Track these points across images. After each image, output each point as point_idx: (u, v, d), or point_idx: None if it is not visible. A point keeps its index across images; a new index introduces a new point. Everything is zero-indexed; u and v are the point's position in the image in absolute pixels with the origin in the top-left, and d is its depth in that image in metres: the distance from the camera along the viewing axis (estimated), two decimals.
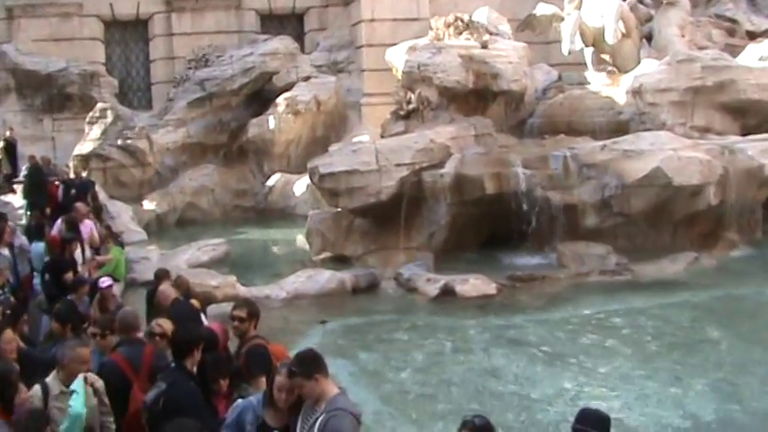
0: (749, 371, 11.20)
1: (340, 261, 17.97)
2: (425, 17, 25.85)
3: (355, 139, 22.31)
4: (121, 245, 16.19)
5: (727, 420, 9.75)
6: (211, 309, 12.44)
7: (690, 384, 10.76)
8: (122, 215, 22.14)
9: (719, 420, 9.73)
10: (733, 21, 27.35)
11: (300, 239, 20.05)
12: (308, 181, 20.75)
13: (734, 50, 23.15)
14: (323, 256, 18.46)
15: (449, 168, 17.39)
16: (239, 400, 6.70)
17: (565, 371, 11.49)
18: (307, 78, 26.80)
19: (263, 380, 6.91)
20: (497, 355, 12.28)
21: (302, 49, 28.63)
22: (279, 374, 6.22)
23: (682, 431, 9.54)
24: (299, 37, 29.55)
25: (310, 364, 6.02)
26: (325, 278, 16.01)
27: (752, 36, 26.32)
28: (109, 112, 25.74)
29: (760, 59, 21.80)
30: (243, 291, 15.24)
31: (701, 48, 22.66)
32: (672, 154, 16.95)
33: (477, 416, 5.91)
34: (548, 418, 9.94)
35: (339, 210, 18.30)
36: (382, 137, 19.94)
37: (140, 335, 8.08)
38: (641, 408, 10.11)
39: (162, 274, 11.34)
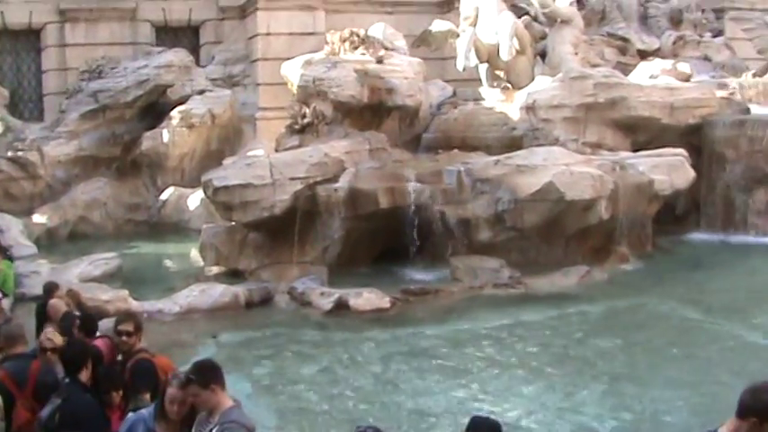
0: (640, 381, 11.36)
1: (234, 275, 17.84)
2: (321, 32, 25.80)
3: (250, 153, 22.13)
4: (10, 259, 15.86)
5: (620, 430, 9.87)
6: (104, 323, 12.21)
7: (583, 395, 10.89)
8: (12, 229, 21.60)
9: (613, 430, 9.84)
10: (625, 39, 27.88)
11: (194, 254, 19.90)
12: (202, 195, 20.54)
13: (625, 68, 23.64)
14: (216, 270, 18.32)
15: (343, 183, 17.40)
16: (130, 414, 6.58)
17: (459, 383, 11.51)
18: (201, 92, 26.52)
19: (148, 396, 6.82)
20: (391, 368, 12.28)
21: (197, 62, 28.34)
22: (171, 386, 6.13)
23: None
24: (195, 50, 29.25)
25: (208, 374, 5.94)
26: (218, 292, 15.84)
27: (643, 55, 26.87)
28: None
29: (650, 77, 22.28)
30: (135, 305, 14.99)
31: (594, 65, 23.07)
32: (564, 169, 17.16)
33: (370, 426, 5.87)
34: (442, 430, 9.95)
35: (233, 223, 18.18)
36: (277, 151, 19.86)
37: (26, 349, 7.90)
38: (534, 418, 10.18)
39: (52, 288, 11.14)
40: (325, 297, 15.51)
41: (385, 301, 15.29)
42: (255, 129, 27.50)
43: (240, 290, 16.03)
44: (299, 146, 19.20)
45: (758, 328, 13.71)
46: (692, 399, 10.49)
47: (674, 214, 20.48)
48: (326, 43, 21.30)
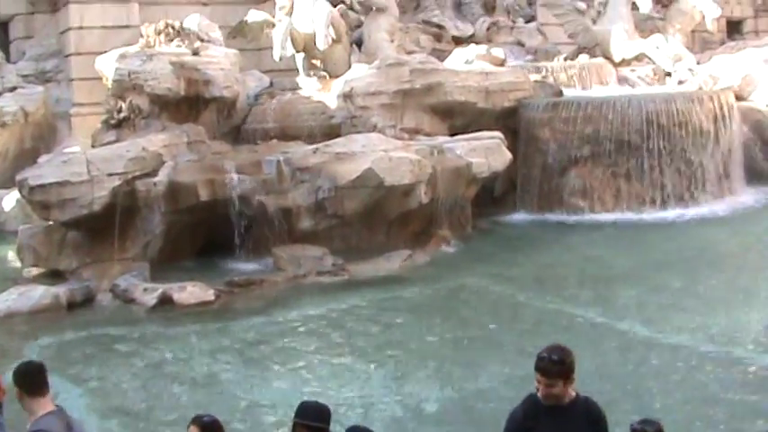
0: (466, 358, 11.65)
1: (54, 276, 17.38)
2: (136, 24, 25.36)
3: (66, 150, 21.65)
4: None
5: (447, 408, 10.12)
6: None
7: (410, 375, 11.07)
8: None
9: (441, 408, 10.08)
10: (440, 26, 28.41)
11: (11, 256, 19.32)
12: (18, 195, 19.99)
13: (441, 55, 24.04)
14: (36, 271, 17.81)
15: (162, 176, 17.18)
16: None
17: (287, 372, 11.59)
18: (13, 89, 25.81)
19: None
20: (219, 360, 12.24)
21: (8, 59, 27.56)
22: None
23: (405, 420, 9.77)
24: (5, 46, 28.44)
25: (18, 380, 5.86)
26: (38, 294, 15.42)
27: (458, 41, 27.41)
28: None
29: (465, 63, 22.68)
30: None
31: (410, 52, 23.36)
32: (383, 155, 17.35)
33: (205, 414, 5.87)
34: (273, 419, 9.99)
35: (51, 223, 17.71)
36: (93, 147, 19.46)
37: None
38: (364, 402, 10.30)
39: None
40: (148, 293, 15.31)
41: (209, 294, 15.19)
42: (71, 125, 26.90)
43: (61, 290, 15.66)
44: (116, 141, 18.84)
45: (570, 301, 14.21)
46: (515, 372, 10.71)
47: (492, 196, 20.95)
48: (141, 36, 20.94)
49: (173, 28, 20.69)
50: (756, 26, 46.17)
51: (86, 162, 17.23)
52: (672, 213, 20.26)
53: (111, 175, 17.06)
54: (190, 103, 19.78)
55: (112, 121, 19.49)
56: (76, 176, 16.95)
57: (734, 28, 45.25)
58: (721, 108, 21.94)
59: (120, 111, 19.38)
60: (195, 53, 20.16)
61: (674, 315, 13.11)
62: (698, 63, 28.23)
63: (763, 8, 46.32)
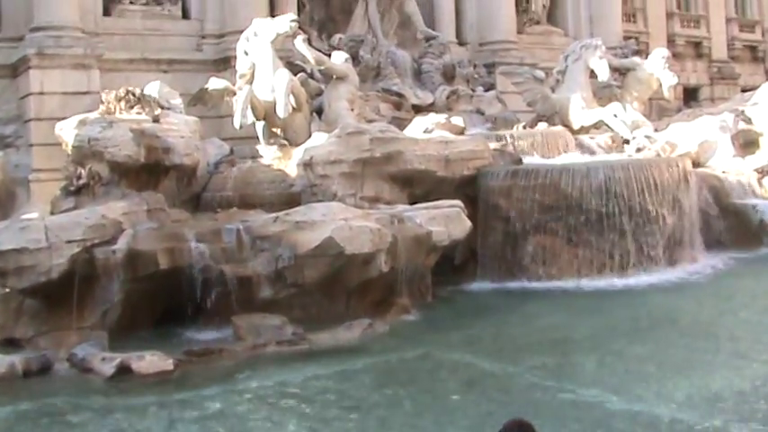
0: (428, 429, 11.59)
1: (10, 344, 17.10)
2: (96, 91, 25.35)
3: (24, 217, 21.45)
4: None
5: None
6: None
7: None
8: None
9: None
10: (400, 95, 28.64)
11: None
12: None
13: (401, 123, 24.24)
14: None
15: (121, 244, 17.08)
16: None
17: None
18: None
19: None
20: (178, 430, 12.10)
21: None
22: None
23: None
24: None
25: None
26: None
27: (418, 109, 27.64)
28: None
29: (425, 131, 22.83)
30: None
31: (370, 121, 23.51)
32: (343, 224, 17.37)
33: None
34: None
35: (7, 290, 17.51)
36: (52, 213, 19.33)
37: None
38: None
39: None
40: (106, 362, 15.11)
41: (168, 363, 15.02)
42: (29, 191, 26.67)
43: (17, 359, 15.40)
44: (76, 208, 18.75)
45: (532, 369, 14.14)
46: None
47: (452, 264, 20.96)
48: (102, 102, 20.99)
49: (133, 95, 20.73)
50: (712, 93, 46.92)
51: (45, 229, 17.11)
52: (631, 280, 20.40)
53: (69, 242, 16.95)
54: (150, 171, 19.72)
55: (72, 188, 19.40)
56: (34, 243, 16.81)
57: (690, 95, 46.02)
58: (679, 175, 22.19)
59: (79, 177, 19.31)
60: (156, 120, 20.17)
61: (636, 382, 13.12)
62: (655, 130, 28.70)
63: (718, 76, 47.09)
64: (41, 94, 27.13)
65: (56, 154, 22.83)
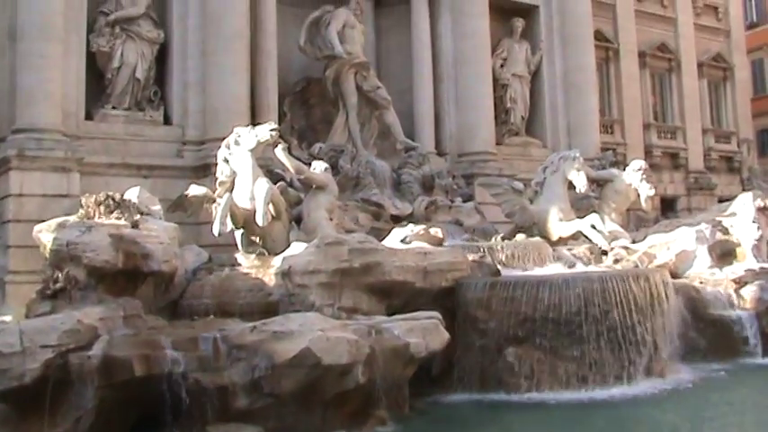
0: None
1: None
2: (76, 194, 25.41)
3: None
4: None
5: None
6: None
7: None
8: None
9: None
10: (378, 205, 28.78)
11: None
12: None
13: (379, 233, 24.24)
14: None
15: (96, 350, 16.87)
16: None
17: None
18: None
19: None
20: None
21: None
22: None
23: None
24: None
25: None
26: None
27: (396, 220, 27.71)
28: None
29: (402, 241, 22.86)
30: None
31: (349, 231, 23.56)
32: (321, 334, 17.25)
33: None
34: None
35: None
36: (27, 317, 19.16)
37: None
38: None
39: None
40: None
41: None
42: (5, 293, 26.57)
43: None
44: (51, 312, 18.56)
45: None
46: None
47: (430, 376, 20.80)
48: (81, 206, 20.96)
49: (113, 200, 20.72)
50: (690, 204, 47.46)
51: (19, 332, 16.89)
52: (610, 392, 20.25)
53: (44, 347, 16.70)
54: (127, 277, 19.60)
55: (48, 291, 19.24)
56: (8, 347, 16.57)
57: (668, 206, 46.53)
58: (657, 286, 22.25)
59: (56, 281, 19.17)
60: (135, 226, 20.14)
61: None
62: (633, 241, 28.84)
63: (695, 186, 47.63)
64: (20, 195, 27.15)
65: (33, 256, 22.73)
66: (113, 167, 28.37)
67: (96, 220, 20.24)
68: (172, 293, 21.35)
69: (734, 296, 25.39)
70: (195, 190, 24.16)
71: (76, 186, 27.28)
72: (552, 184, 29.98)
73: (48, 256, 20.02)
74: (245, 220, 22.78)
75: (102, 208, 20.53)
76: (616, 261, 26.68)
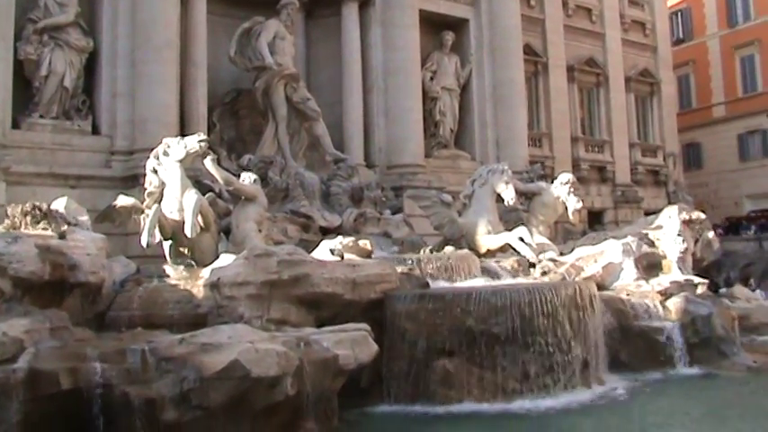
0: None
1: None
2: (2, 204, 25.13)
3: None
4: None
5: None
6: None
7: None
8: None
9: None
10: (308, 217, 28.78)
11: None
12: None
13: (308, 245, 24.23)
14: None
15: (22, 363, 16.65)
16: None
17: None
18: None
19: None
20: None
21: None
22: None
23: None
24: None
25: None
26: None
27: (325, 231, 27.70)
28: None
29: (331, 251, 22.89)
30: None
31: (278, 242, 23.55)
32: (249, 346, 17.21)
33: None
34: None
35: None
36: None
37: None
38: None
39: None
40: None
41: None
42: None
43: None
44: None
45: None
46: None
47: (359, 387, 20.82)
48: (7, 217, 20.74)
49: (39, 210, 20.53)
50: (616, 216, 48.02)
51: None
52: (537, 403, 20.38)
53: None
54: (54, 288, 19.39)
55: None
56: None
57: (595, 218, 47.05)
58: (584, 298, 22.50)
59: None
60: (62, 237, 19.96)
61: None
62: (561, 253, 29.12)
63: (622, 199, 48.22)
64: None
65: None
66: (40, 177, 28.08)
67: (23, 230, 20.02)
68: (99, 305, 21.15)
69: (659, 307, 25.72)
70: (123, 200, 23.98)
71: (2, 196, 26.94)
72: (481, 196, 30.21)
73: None
74: (173, 232, 22.69)
75: (28, 218, 20.33)
76: (544, 273, 26.93)
